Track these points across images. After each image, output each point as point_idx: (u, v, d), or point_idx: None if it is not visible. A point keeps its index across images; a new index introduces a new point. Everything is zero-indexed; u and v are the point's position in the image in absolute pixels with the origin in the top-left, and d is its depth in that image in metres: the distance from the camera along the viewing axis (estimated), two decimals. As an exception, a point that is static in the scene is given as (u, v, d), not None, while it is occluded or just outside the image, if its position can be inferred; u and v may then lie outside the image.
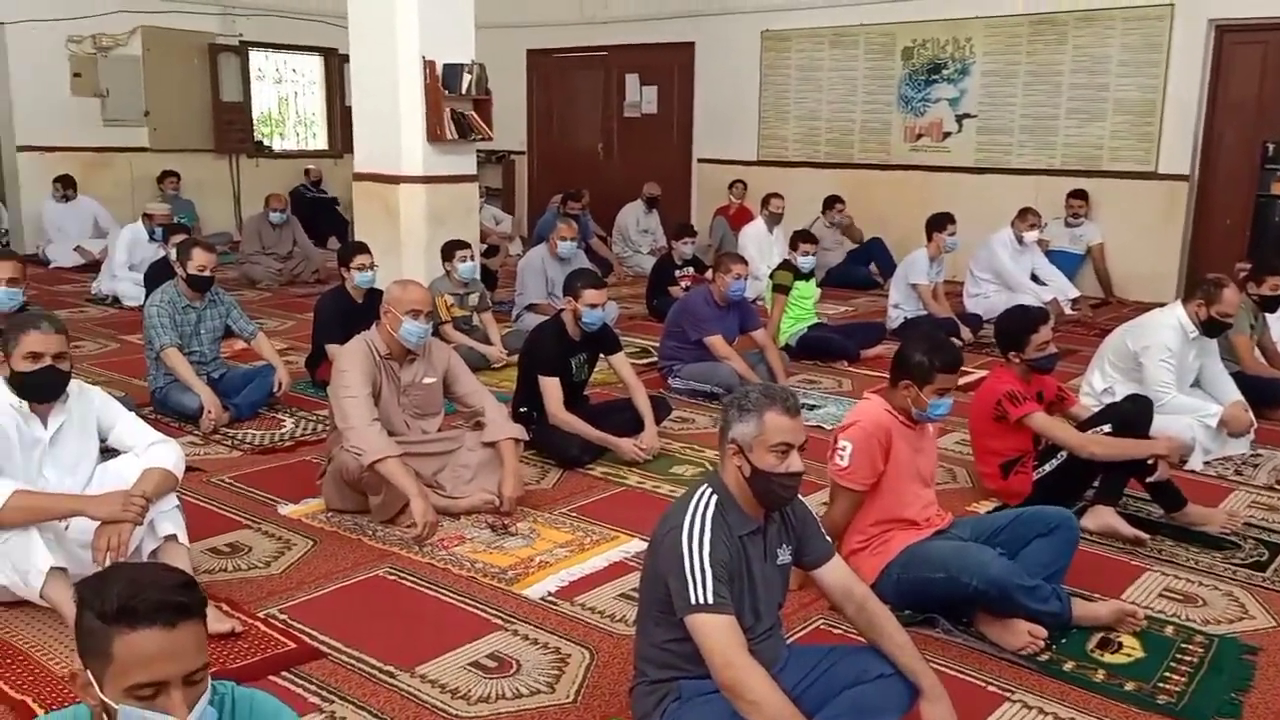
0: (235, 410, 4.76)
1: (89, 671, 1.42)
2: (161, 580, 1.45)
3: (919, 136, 9.46)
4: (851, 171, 9.77)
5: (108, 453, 3.11)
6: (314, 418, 4.92)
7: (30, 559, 2.67)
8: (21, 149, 9.60)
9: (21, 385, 2.89)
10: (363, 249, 5.44)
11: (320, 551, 3.40)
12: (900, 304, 6.83)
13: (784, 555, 2.37)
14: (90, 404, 3.06)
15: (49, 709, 2.41)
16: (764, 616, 2.31)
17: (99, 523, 2.75)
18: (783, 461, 2.23)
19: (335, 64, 11.67)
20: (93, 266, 8.54)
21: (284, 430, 4.74)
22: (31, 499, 2.71)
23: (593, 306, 4.36)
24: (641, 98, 11.33)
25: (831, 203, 8.93)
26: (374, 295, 5.46)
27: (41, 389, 2.91)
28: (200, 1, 10.36)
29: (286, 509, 3.77)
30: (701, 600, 2.12)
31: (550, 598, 3.10)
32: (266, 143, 11.67)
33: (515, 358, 5.92)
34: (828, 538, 2.48)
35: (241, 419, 4.77)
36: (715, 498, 2.25)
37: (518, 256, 9.39)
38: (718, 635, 2.10)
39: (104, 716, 1.43)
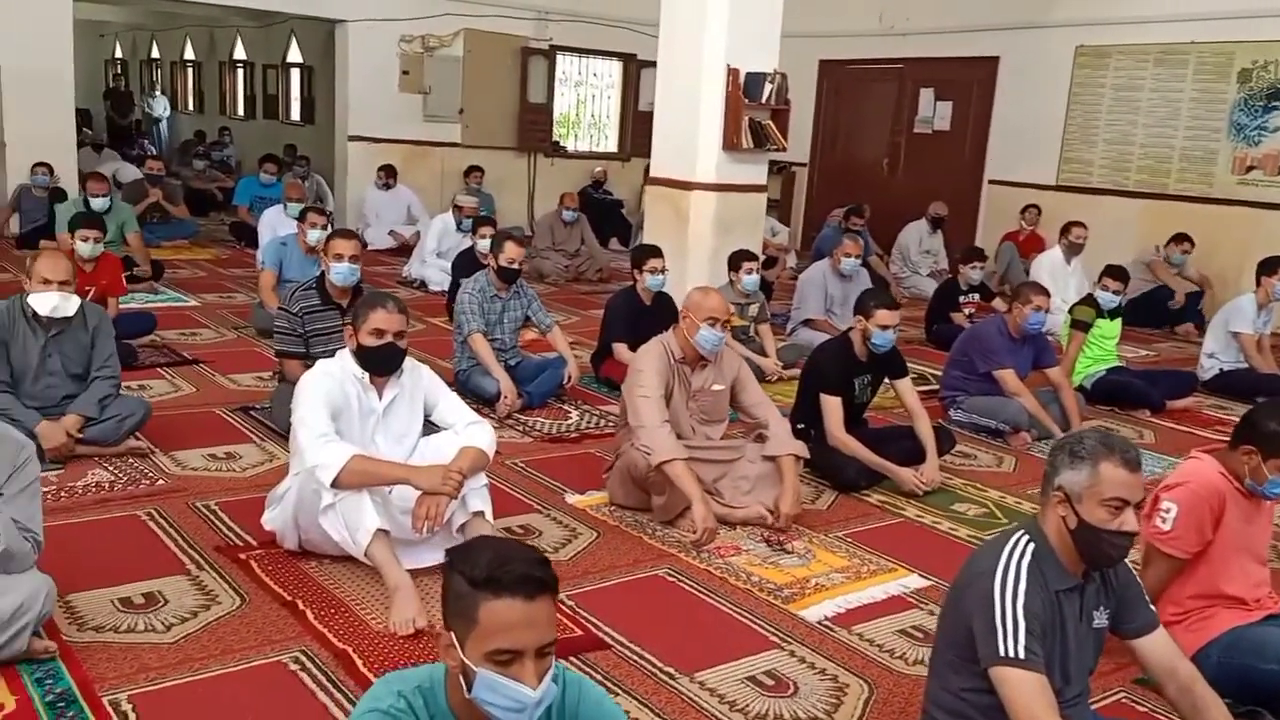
0: (528, 398, 5.02)
1: (453, 634, 1.53)
2: (524, 555, 1.55)
3: (1250, 168, 8.57)
4: (1165, 203, 9.00)
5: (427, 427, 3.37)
6: (597, 412, 5.10)
7: (360, 519, 2.92)
8: (352, 139, 10.61)
9: (365, 358, 3.18)
10: (656, 252, 5.59)
11: (603, 544, 3.52)
12: (1217, 353, 6.22)
13: (1101, 618, 2.20)
14: (420, 380, 3.33)
15: (367, 660, 2.63)
16: (1074, 680, 2.16)
17: (420, 492, 2.99)
18: (1115, 518, 2.07)
19: (633, 69, 12.11)
20: (403, 251, 9.29)
21: (570, 421, 4.95)
22: (367, 464, 2.97)
23: (884, 328, 4.26)
24: (934, 113, 10.98)
25: (1180, 239, 8.14)
26: (662, 298, 5.61)
27: (382, 363, 3.19)
28: (519, 7, 11.04)
29: (573, 498, 3.93)
30: (1011, 652, 2.00)
31: (827, 622, 3.05)
32: (562, 143, 12.28)
33: (789, 372, 5.94)
34: (1152, 606, 2.28)
35: (532, 407, 5.03)
36: (1032, 546, 2.12)
37: (793, 270, 9.36)
38: (1026, 692, 1.98)
39: (461, 679, 1.53)
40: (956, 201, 10.04)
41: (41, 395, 3.89)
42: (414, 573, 2.97)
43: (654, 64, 11.21)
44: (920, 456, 4.30)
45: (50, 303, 3.85)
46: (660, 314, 5.59)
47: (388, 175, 9.98)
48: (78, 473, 3.71)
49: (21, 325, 3.89)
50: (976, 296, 7.43)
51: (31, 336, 3.89)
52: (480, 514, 3.11)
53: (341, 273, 4.41)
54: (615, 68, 12.43)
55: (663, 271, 5.53)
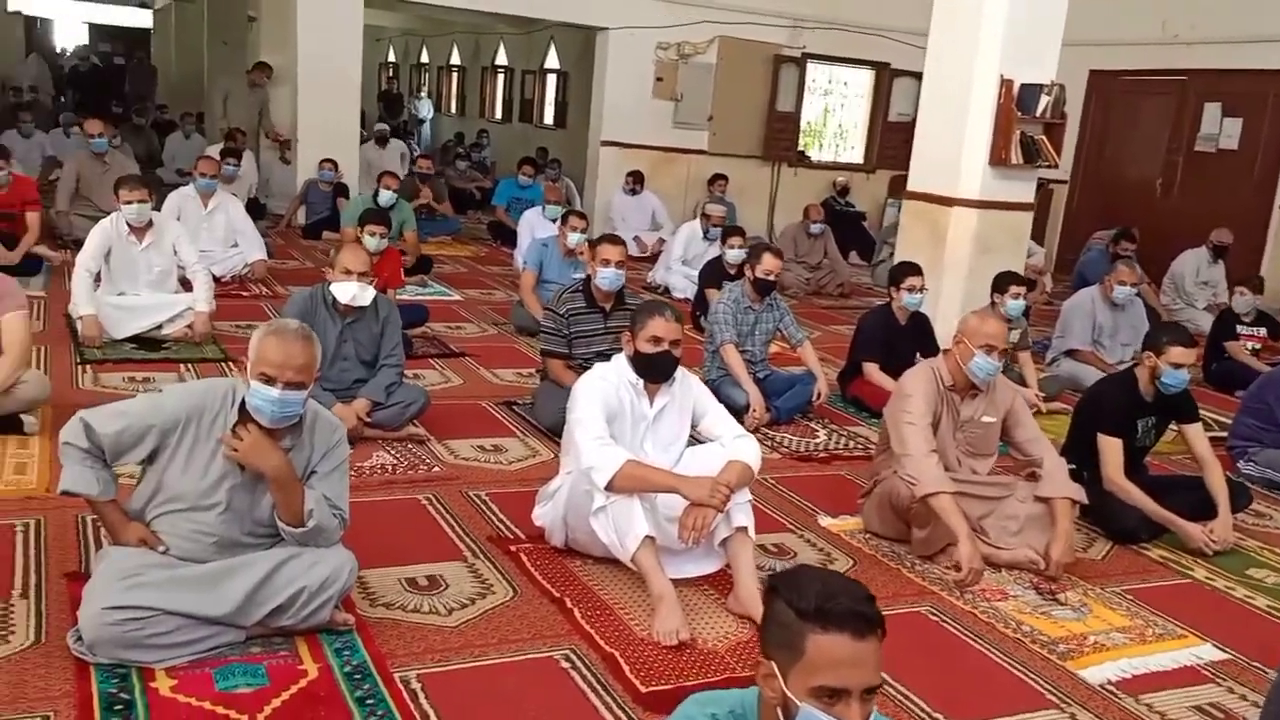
0: (775, 412, 4.97)
1: (774, 663, 1.50)
2: (852, 590, 1.50)
3: None
4: None
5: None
6: (845, 432, 4.99)
7: (630, 524, 2.96)
8: (605, 144, 10.91)
9: (641, 364, 3.23)
10: (915, 270, 5.40)
11: (860, 573, 3.41)
12: None
13: None
14: (690, 390, 3.35)
15: (634, 667, 2.66)
16: None
17: (687, 502, 3.00)
18: None
19: (886, 78, 11.81)
20: (648, 258, 9.45)
21: (818, 440, 4.86)
22: (639, 470, 3.01)
23: (1178, 366, 3.92)
24: (1220, 130, 10.07)
25: None
26: (918, 319, 5.42)
27: (657, 370, 3.23)
28: (774, 15, 11.01)
29: (826, 521, 3.85)
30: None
31: (1111, 687, 2.83)
32: (807, 153, 12.15)
33: (1049, 405, 5.60)
34: None
35: (779, 421, 4.98)
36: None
37: (1049, 294, 8.83)
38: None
39: (780, 711, 1.50)
40: (1241, 228, 9.16)
41: (336, 379, 4.20)
42: (675, 583, 2.98)
43: (908, 73, 11.00)
44: (1208, 511, 3.93)
45: (350, 292, 4.15)
46: (915, 334, 5.41)
47: (635, 181, 10.19)
48: (364, 454, 3.97)
49: (322, 312, 4.21)
50: (1262, 330, 6.74)
51: (330, 323, 4.21)
52: (744, 529, 3.09)
53: (608, 277, 4.51)
54: (866, 76, 12.17)
55: (921, 290, 5.34)
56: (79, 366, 4.86)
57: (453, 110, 19.21)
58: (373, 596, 2.91)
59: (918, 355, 5.08)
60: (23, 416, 3.91)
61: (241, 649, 2.54)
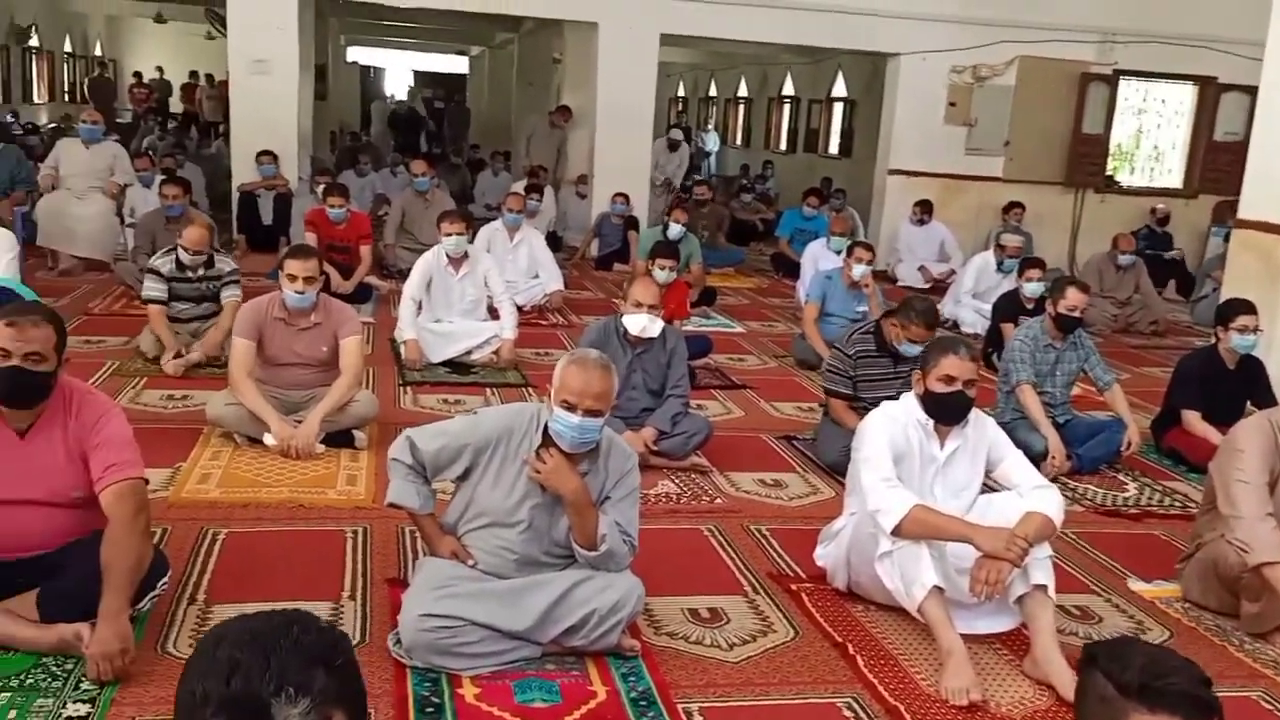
0: (1077, 461, 4.63)
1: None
2: (1186, 670, 1.36)
3: None
4: None
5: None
6: (1159, 487, 4.57)
7: (917, 572, 2.86)
8: (892, 172, 10.69)
9: (932, 404, 3.11)
10: (1248, 308, 4.84)
11: (1178, 646, 3.09)
12: None
13: None
14: (985, 433, 3.19)
15: (920, 722, 2.55)
16: None
17: (979, 554, 2.85)
18: None
19: (1211, 94, 10.76)
20: (934, 289, 9.12)
21: (1127, 494, 4.48)
22: (929, 515, 2.90)
23: None
24: None
25: None
26: (1249, 363, 4.88)
27: (949, 411, 3.10)
28: (1081, 30, 10.35)
29: (1138, 585, 3.53)
30: None
31: None
32: (1115, 177, 11.29)
33: None
34: None
35: (1081, 471, 4.63)
36: None
37: None
38: None
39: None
40: None
41: (625, 407, 4.36)
42: (965, 639, 2.84)
43: (1239, 87, 9.96)
44: None
45: (640, 323, 4.32)
46: (1245, 381, 4.87)
47: (923, 210, 9.89)
48: (650, 483, 4.09)
49: (614, 342, 4.40)
50: None
51: (621, 353, 4.38)
52: (1042, 588, 2.89)
53: (912, 351, 4.36)
54: (1188, 92, 11.15)
55: (1254, 331, 4.80)
56: (401, 388, 5.35)
57: (738, 142, 19.55)
58: (657, 624, 2.98)
59: (1249, 405, 4.56)
60: (354, 432, 4.36)
61: (538, 665, 2.69)
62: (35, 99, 17.49)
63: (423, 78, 26.69)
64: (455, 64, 25.39)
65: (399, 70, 27.25)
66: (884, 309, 5.14)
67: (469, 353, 5.81)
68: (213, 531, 3.41)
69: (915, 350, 4.13)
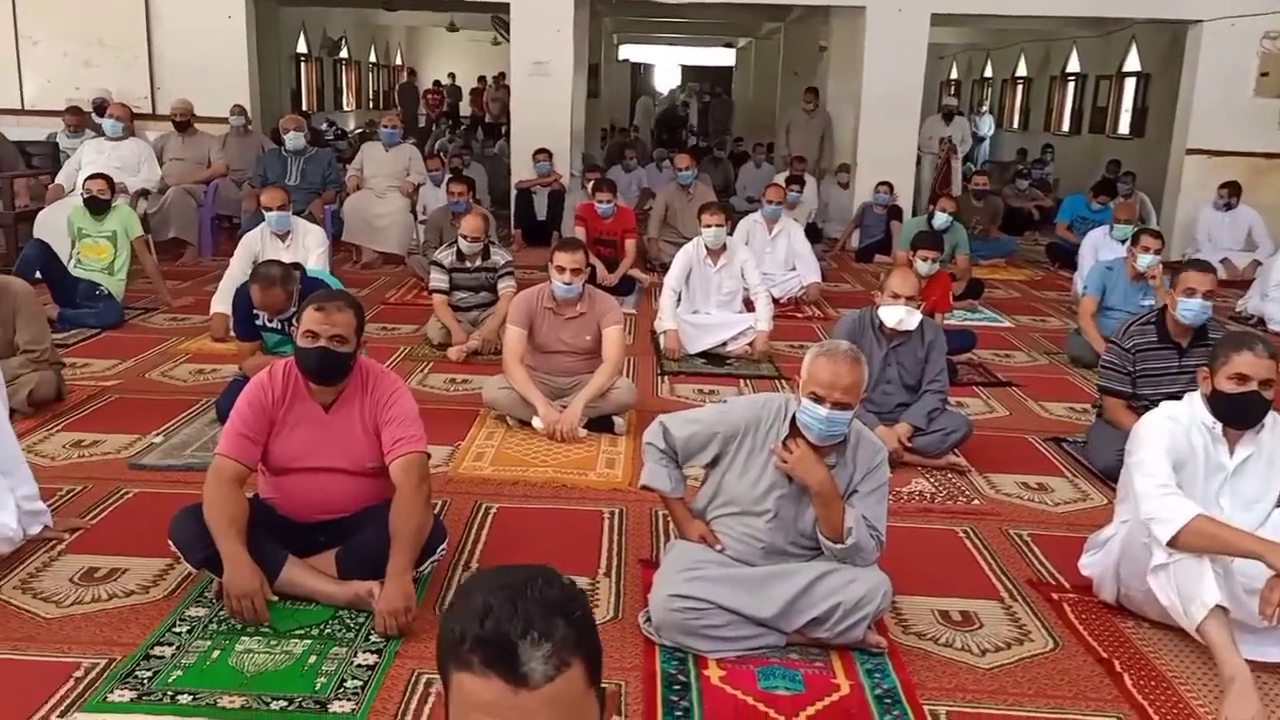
0: None
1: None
2: None
3: None
4: None
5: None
6: None
7: (1197, 589, 2.63)
8: (1190, 152, 9.75)
9: (1221, 405, 2.85)
10: None
11: None
12: None
13: None
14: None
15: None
16: None
17: (1271, 573, 2.59)
18: None
19: None
20: (1239, 283, 8.23)
21: None
22: (1213, 527, 2.67)
23: None
24: None
25: None
26: None
27: (1240, 413, 2.85)
28: None
29: None
30: None
31: None
32: None
33: None
34: None
35: None
36: None
37: None
38: None
39: None
40: None
41: (879, 401, 4.28)
42: (1252, 666, 2.59)
43: None
44: None
45: (896, 316, 4.22)
46: None
47: (1230, 193, 8.94)
48: (903, 480, 4.00)
49: (869, 334, 4.32)
50: None
51: (876, 346, 4.30)
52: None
53: (1191, 309, 4.02)
54: None
55: None
56: (659, 377, 5.52)
57: (1014, 125, 18.50)
58: (905, 623, 2.93)
59: None
60: (614, 418, 4.55)
61: (782, 653, 2.72)
62: (344, 106, 19.39)
63: (690, 72, 27.19)
64: (722, 57, 25.68)
65: (667, 66, 27.91)
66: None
67: (724, 344, 5.90)
68: (485, 505, 3.68)
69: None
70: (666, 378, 5.51)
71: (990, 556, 3.41)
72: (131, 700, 2.41)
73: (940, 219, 7.45)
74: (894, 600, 2.87)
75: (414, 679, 2.56)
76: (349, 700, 2.45)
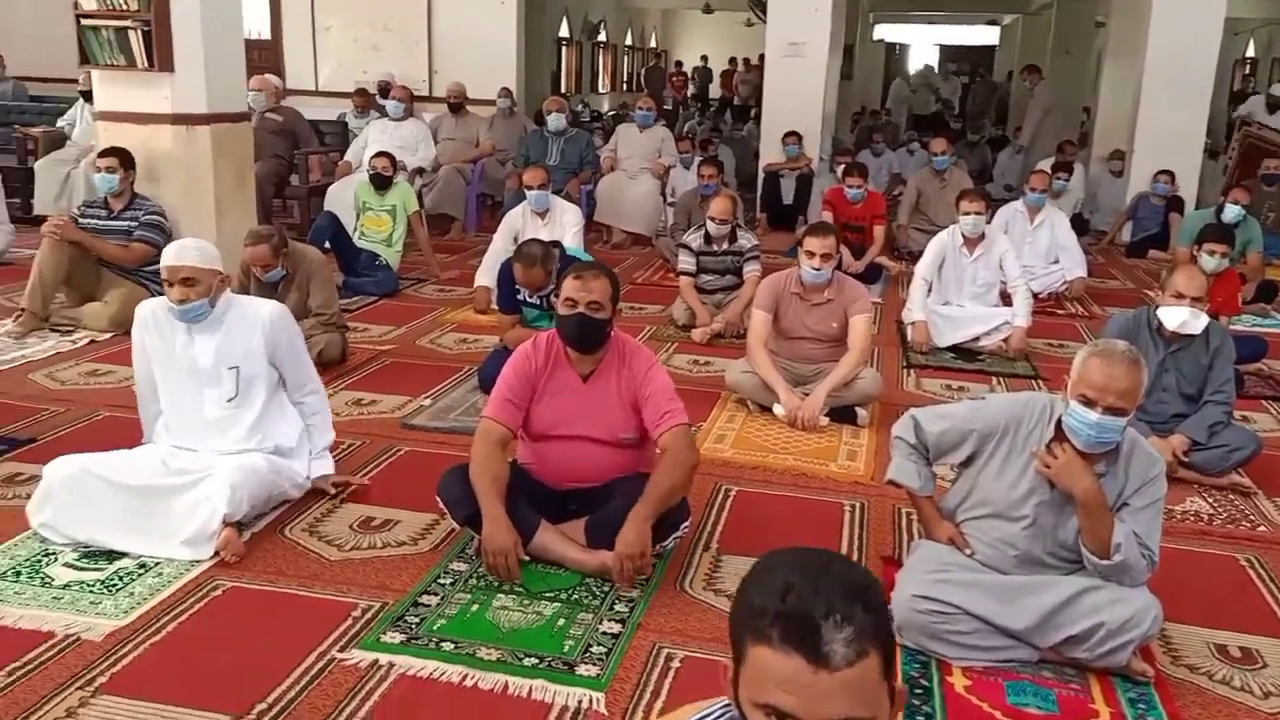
0: None
1: None
2: None
3: None
4: None
5: None
6: None
7: None
8: None
9: None
10: None
11: None
12: None
13: None
14: None
15: None
16: None
17: None
18: None
19: None
20: None
21: None
22: None
23: None
24: None
25: None
26: None
27: None
28: None
29: None
30: None
31: None
32: None
33: None
34: None
35: None
36: None
37: None
38: None
39: None
40: None
41: (1153, 410, 3.96)
42: None
43: None
44: None
45: (1179, 318, 3.89)
46: None
47: None
48: (1177, 497, 3.68)
49: (1145, 336, 4.00)
50: None
51: (1153, 349, 3.98)
52: None
53: None
54: None
55: None
56: (905, 369, 5.37)
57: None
58: (1175, 653, 2.71)
59: None
60: (857, 409, 4.47)
61: (1034, 669, 2.58)
62: (599, 89, 20.01)
63: (947, 52, 26.09)
64: (984, 35, 24.46)
65: (923, 46, 26.90)
66: None
67: (977, 339, 5.64)
68: (725, 487, 3.72)
69: None
70: (912, 370, 5.34)
71: (1278, 589, 3.09)
72: (401, 643, 2.61)
73: (1231, 211, 6.76)
74: (1163, 627, 2.66)
75: (655, 652, 2.63)
76: (594, 665, 2.55)
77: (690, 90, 21.33)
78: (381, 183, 6.72)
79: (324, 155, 8.60)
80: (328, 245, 6.40)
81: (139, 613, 2.69)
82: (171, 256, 3.18)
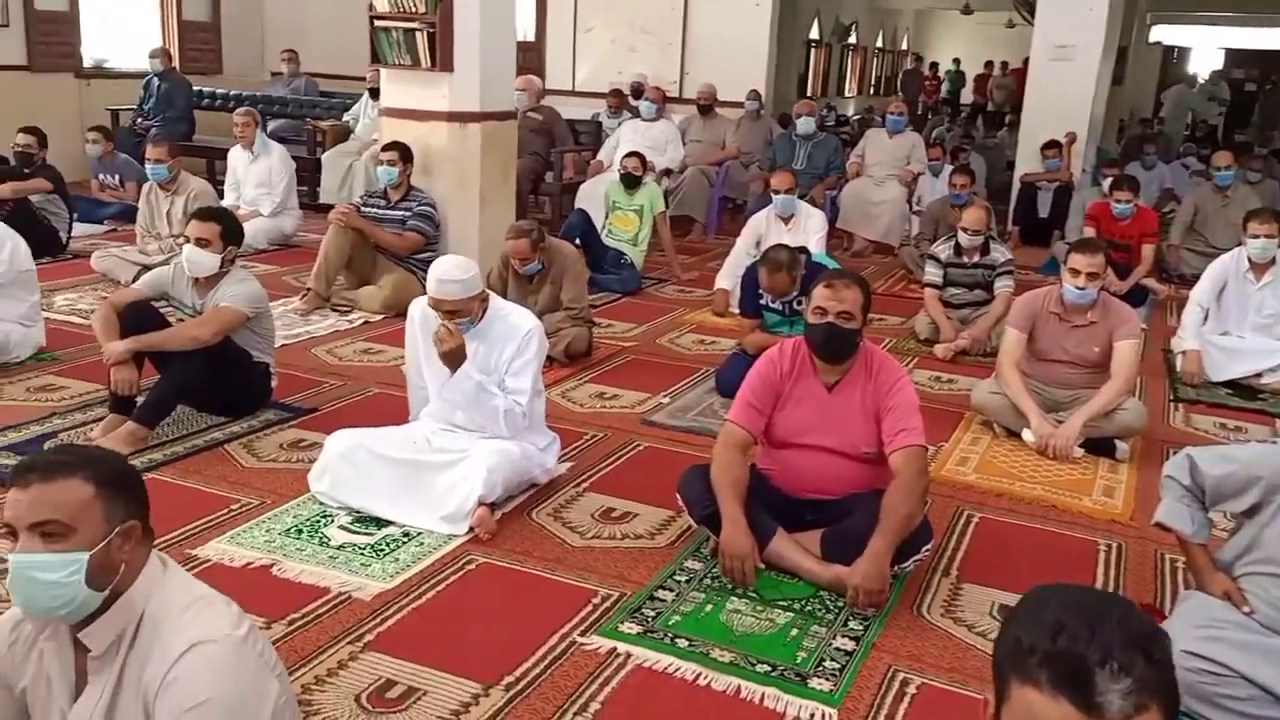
0: None
1: None
2: None
3: None
4: None
5: None
6: None
7: None
8: None
9: None
10: None
11: None
12: None
13: None
14: None
15: None
16: None
17: None
18: None
19: None
20: None
21: None
22: None
23: None
24: None
25: None
26: None
27: None
28: None
29: None
30: None
31: None
32: None
33: None
34: None
35: None
36: None
37: None
38: None
39: None
40: None
41: None
42: None
43: None
44: None
45: None
46: None
47: None
48: None
49: None
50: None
51: None
52: None
53: None
54: None
55: None
56: (1171, 403, 4.97)
57: None
58: None
59: None
60: (1117, 442, 4.18)
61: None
62: (845, 92, 19.69)
63: (1233, 57, 23.87)
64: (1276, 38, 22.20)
65: (1206, 49, 24.71)
66: None
67: (1259, 375, 5.14)
68: (967, 512, 3.58)
69: None
70: (1181, 405, 4.94)
71: None
72: (638, 634, 2.69)
73: None
74: None
75: (890, 674, 2.57)
76: (827, 680, 2.53)
77: (941, 94, 20.62)
78: (631, 182, 6.91)
79: (578, 154, 8.94)
80: (578, 241, 6.66)
81: (403, 578, 2.91)
82: (435, 288, 3.26)
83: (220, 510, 3.28)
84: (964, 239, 5.71)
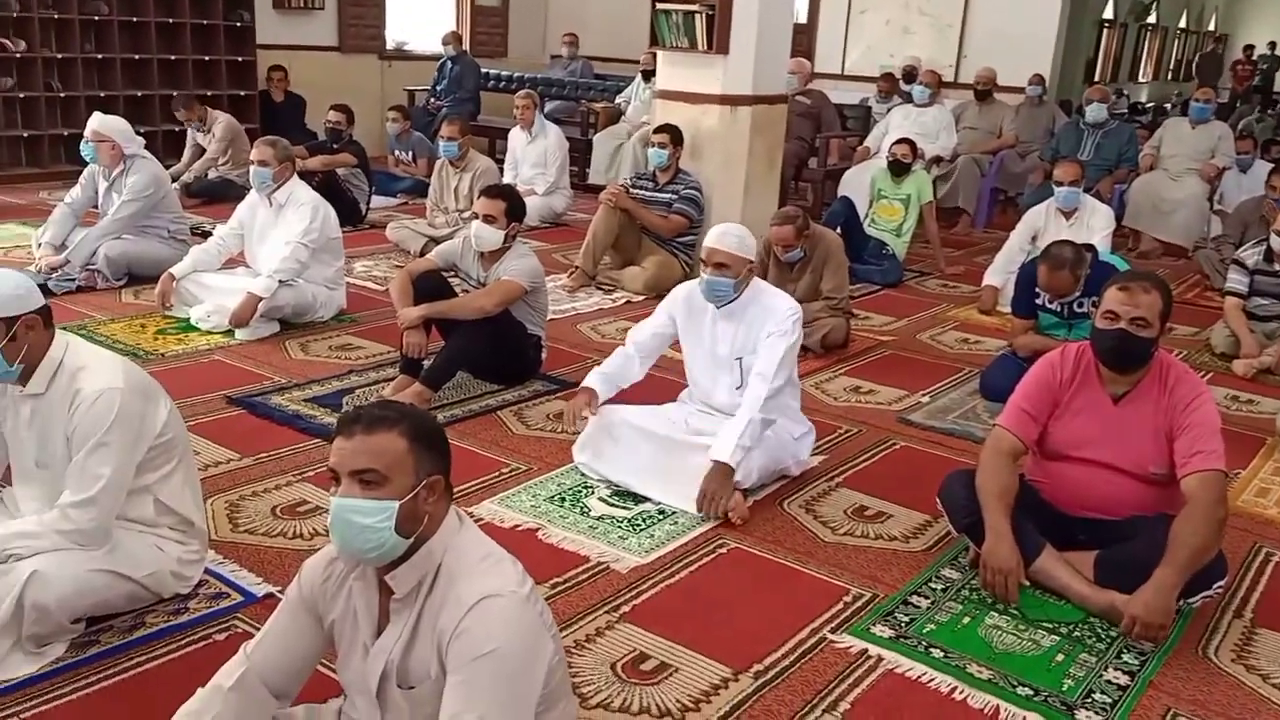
0: None
1: None
2: None
3: None
4: None
5: None
6: None
7: None
8: None
9: None
10: None
11: None
12: None
13: None
14: None
15: None
16: None
17: None
18: None
19: None
20: None
21: None
22: None
23: None
24: None
25: None
26: None
27: None
28: None
29: None
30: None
31: None
32: None
33: None
34: None
35: None
36: None
37: None
38: None
39: None
40: None
41: None
42: None
43: None
44: None
45: None
46: None
47: None
48: None
49: None
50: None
51: None
52: None
53: None
54: None
55: None
56: None
57: None
58: None
59: None
60: None
61: None
62: (1139, 77, 18.17)
63: None
64: None
65: None
66: None
67: None
68: (1266, 550, 3.24)
69: None
70: None
71: None
72: (890, 638, 2.62)
73: None
74: None
75: (1170, 717, 2.38)
76: (1097, 714, 2.37)
77: (1253, 81, 18.57)
78: (899, 169, 6.70)
79: (843, 139, 8.77)
80: (839, 229, 6.54)
81: (657, 554, 2.99)
82: (713, 239, 3.41)
83: (492, 473, 3.49)
84: (1277, 244, 5.14)
